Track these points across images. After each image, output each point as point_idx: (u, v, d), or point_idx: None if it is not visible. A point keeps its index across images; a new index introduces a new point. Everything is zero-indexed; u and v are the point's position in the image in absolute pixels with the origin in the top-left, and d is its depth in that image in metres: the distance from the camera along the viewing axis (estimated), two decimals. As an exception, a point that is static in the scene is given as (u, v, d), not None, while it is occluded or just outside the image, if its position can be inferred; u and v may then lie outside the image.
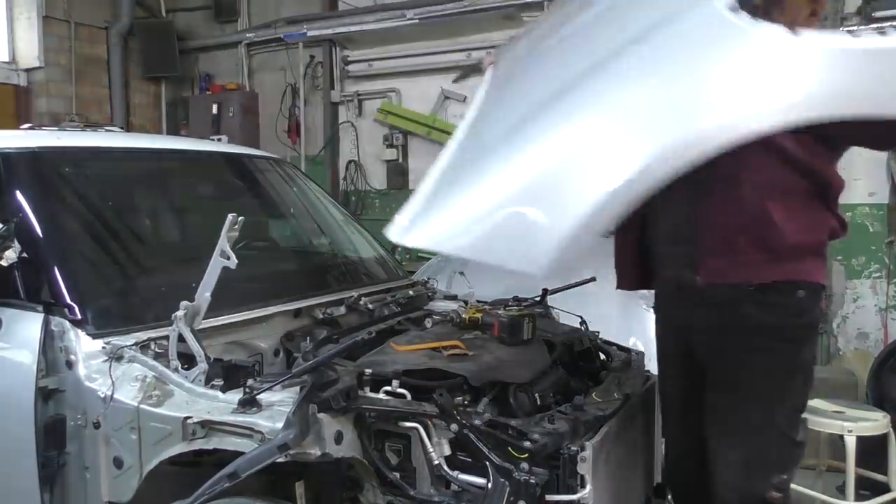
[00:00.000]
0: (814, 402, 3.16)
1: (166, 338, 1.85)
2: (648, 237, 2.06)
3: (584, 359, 2.45)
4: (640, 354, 2.47)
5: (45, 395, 1.87)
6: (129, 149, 2.48)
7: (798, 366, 1.86)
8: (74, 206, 2.19)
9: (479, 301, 2.88)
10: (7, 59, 6.14)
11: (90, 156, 2.31)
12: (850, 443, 2.89)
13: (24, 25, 6.09)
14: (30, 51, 6.10)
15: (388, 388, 1.78)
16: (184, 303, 1.78)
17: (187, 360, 1.83)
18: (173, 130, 7.01)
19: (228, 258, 1.73)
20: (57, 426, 1.86)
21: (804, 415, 1.92)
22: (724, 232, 1.82)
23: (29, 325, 1.90)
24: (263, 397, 1.66)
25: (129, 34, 6.65)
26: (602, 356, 2.46)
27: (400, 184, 6.13)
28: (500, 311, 2.20)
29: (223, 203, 2.65)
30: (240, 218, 1.73)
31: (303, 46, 6.33)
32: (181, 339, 1.80)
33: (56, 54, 6.21)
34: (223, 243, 1.72)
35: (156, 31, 6.74)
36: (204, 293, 1.77)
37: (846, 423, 2.93)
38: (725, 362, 1.87)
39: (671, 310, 2.07)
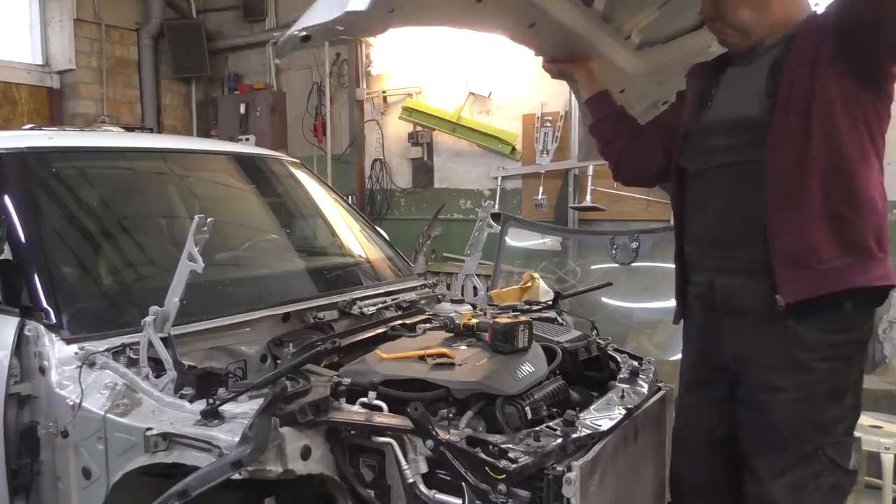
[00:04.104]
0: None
1: None
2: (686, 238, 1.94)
3: (591, 368, 2.31)
4: (653, 363, 2.32)
5: (19, 401, 1.82)
6: (118, 149, 2.43)
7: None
8: (57, 208, 2.15)
9: (489, 305, 2.77)
10: (40, 62, 6.26)
11: (78, 157, 2.27)
12: (888, 461, 2.68)
13: (55, 29, 6.21)
14: (62, 53, 6.21)
15: (364, 399, 1.67)
16: (153, 308, 1.71)
17: (162, 367, 1.76)
18: (203, 131, 7.07)
19: (195, 261, 1.64)
20: (30, 434, 1.81)
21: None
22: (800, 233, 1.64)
23: (4, 329, 1.86)
24: (228, 409, 1.57)
25: (159, 35, 6.73)
26: (612, 365, 2.31)
27: (425, 182, 6.05)
28: (495, 318, 2.07)
29: (215, 204, 2.58)
30: (209, 219, 1.65)
31: (328, 44, 6.28)
32: (153, 345, 1.73)
33: (87, 56, 6.31)
34: (190, 246, 1.64)
35: (185, 31, 6.80)
36: (172, 298, 1.69)
37: (883, 439, 2.71)
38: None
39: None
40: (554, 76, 2.28)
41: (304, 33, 1.51)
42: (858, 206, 1.63)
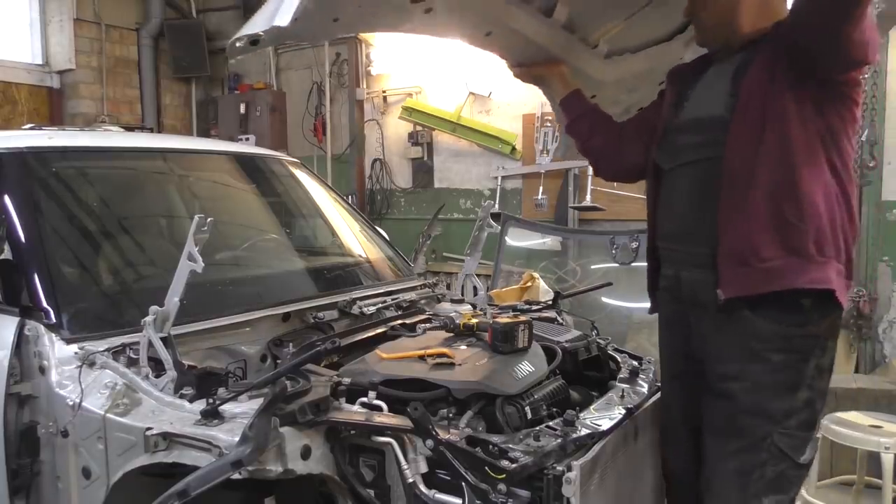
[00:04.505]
0: (849, 415, 2.95)
1: None
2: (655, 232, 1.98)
3: (591, 368, 2.31)
4: (653, 363, 2.31)
5: (19, 401, 1.82)
6: (118, 148, 2.43)
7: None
8: (58, 208, 2.15)
9: (489, 305, 2.77)
10: (40, 62, 6.26)
11: (78, 157, 2.27)
12: (888, 461, 2.67)
13: (55, 29, 6.20)
14: (62, 53, 6.20)
15: (364, 399, 1.67)
16: (153, 308, 1.71)
17: (162, 367, 1.76)
18: (203, 131, 7.07)
19: (195, 261, 1.64)
20: (30, 434, 1.81)
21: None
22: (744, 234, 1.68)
23: (4, 329, 1.86)
24: (228, 408, 1.57)
25: (159, 35, 6.72)
26: (612, 365, 2.31)
27: (425, 182, 6.05)
28: (495, 318, 2.07)
29: (215, 204, 2.58)
30: (209, 219, 1.65)
31: (328, 44, 6.29)
32: (153, 345, 1.73)
33: (87, 56, 6.31)
34: (190, 245, 1.64)
35: (185, 31, 6.79)
36: (172, 298, 1.69)
37: (883, 438, 2.71)
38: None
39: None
40: (525, 80, 2.28)
41: (254, 37, 1.49)
42: (802, 211, 1.66)
